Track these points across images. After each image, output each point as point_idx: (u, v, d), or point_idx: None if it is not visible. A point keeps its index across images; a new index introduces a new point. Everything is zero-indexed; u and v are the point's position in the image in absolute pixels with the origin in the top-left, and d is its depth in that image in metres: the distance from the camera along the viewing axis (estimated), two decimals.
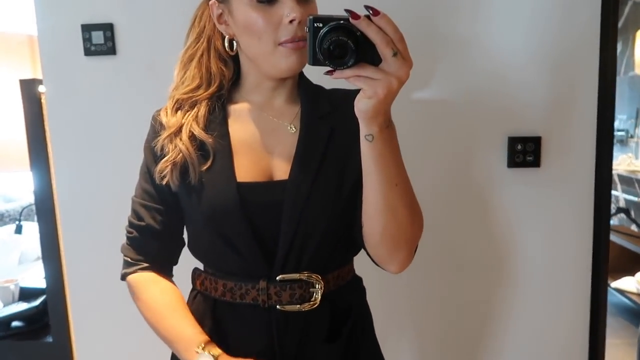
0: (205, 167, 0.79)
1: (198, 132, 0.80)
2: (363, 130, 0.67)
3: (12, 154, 1.60)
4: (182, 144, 0.79)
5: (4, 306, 1.72)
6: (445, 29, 1.33)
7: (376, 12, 0.61)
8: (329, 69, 0.62)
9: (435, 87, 1.35)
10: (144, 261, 0.86)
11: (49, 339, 1.59)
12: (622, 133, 3.91)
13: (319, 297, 0.80)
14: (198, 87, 0.82)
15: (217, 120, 0.82)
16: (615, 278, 3.06)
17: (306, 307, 0.80)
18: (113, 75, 1.39)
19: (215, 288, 0.83)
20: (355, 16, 0.60)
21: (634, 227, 3.07)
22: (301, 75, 0.84)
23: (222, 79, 0.83)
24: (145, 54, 1.37)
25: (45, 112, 1.46)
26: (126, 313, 1.43)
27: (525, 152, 1.34)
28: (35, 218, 2.12)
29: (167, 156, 0.80)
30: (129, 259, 0.87)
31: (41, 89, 1.47)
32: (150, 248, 0.86)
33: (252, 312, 0.80)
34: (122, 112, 1.39)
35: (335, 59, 0.61)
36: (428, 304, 1.44)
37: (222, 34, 0.81)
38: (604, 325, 1.48)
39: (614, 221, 3.38)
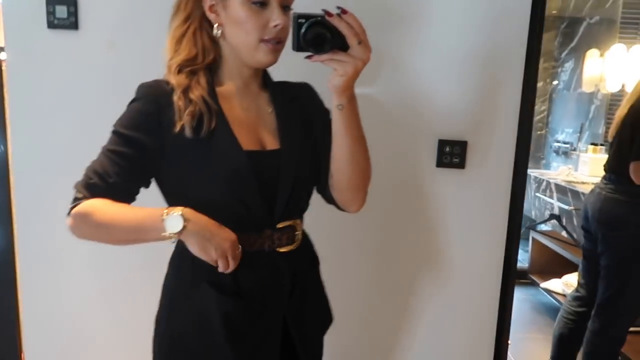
0: (213, 125, 0.91)
1: (203, 93, 0.92)
2: (335, 101, 0.90)
3: None
4: (196, 97, 0.90)
5: None
6: (382, 38, 1.45)
7: (345, 11, 0.85)
8: (308, 54, 0.86)
9: (379, 88, 1.47)
10: (91, 197, 0.90)
11: None
12: (567, 146, 4.16)
13: (300, 237, 1.02)
14: (195, 57, 0.94)
15: (210, 97, 0.93)
16: (544, 279, 3.29)
17: (294, 246, 1.01)
18: (74, 49, 1.44)
19: (251, 242, 0.95)
20: (330, 14, 0.85)
21: (564, 233, 3.30)
22: (265, 70, 1.02)
23: (215, 54, 0.96)
24: (106, 31, 1.44)
25: (4, 79, 1.50)
26: (72, 273, 1.53)
27: (452, 154, 1.49)
28: None
29: (188, 109, 0.89)
30: (79, 195, 0.90)
31: (1, 56, 1.52)
32: (107, 195, 0.90)
33: (259, 257, 0.96)
34: (81, 85, 1.45)
35: (315, 46, 0.85)
36: (350, 293, 1.57)
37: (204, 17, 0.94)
38: (510, 318, 1.61)
39: (546, 227, 3.62)
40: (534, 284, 3.41)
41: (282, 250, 0.98)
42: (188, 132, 0.89)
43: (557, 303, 3.11)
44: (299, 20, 0.85)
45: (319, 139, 1.00)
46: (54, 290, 1.55)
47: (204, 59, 0.94)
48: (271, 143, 0.98)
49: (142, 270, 1.38)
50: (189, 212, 0.87)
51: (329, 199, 1.03)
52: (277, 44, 0.92)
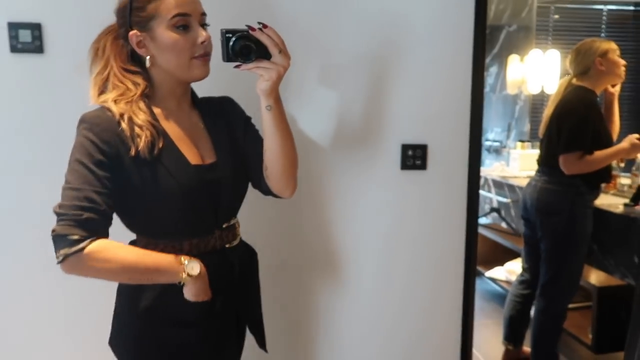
0: (161, 144, 1.00)
1: (148, 117, 1.01)
2: (264, 102, 1.03)
3: None
4: (142, 121, 0.99)
5: None
6: (346, 45, 1.56)
7: (265, 26, 0.99)
8: (237, 64, 0.99)
9: (348, 101, 1.58)
10: (92, 236, 0.93)
11: None
12: (497, 144, 4.49)
13: (239, 233, 1.17)
14: (127, 91, 1.01)
15: (154, 120, 1.02)
16: (488, 268, 3.54)
17: (237, 240, 1.16)
18: (39, 74, 1.43)
19: (181, 249, 1.05)
20: (253, 29, 0.99)
21: (504, 224, 3.57)
22: (192, 90, 1.14)
23: (146, 82, 1.04)
24: (73, 54, 1.42)
25: None
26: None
27: (415, 157, 1.62)
28: None
29: (140, 136, 0.97)
30: (74, 237, 0.91)
31: None
32: (99, 227, 0.95)
33: (211, 257, 1.08)
34: (47, 109, 1.44)
35: (242, 56, 0.99)
36: (309, 291, 1.66)
37: (124, 56, 1.05)
38: (473, 305, 1.76)
39: (487, 220, 3.89)
40: (479, 274, 3.65)
41: (229, 246, 1.13)
42: (144, 154, 0.97)
43: (501, 289, 3.36)
44: (227, 35, 0.99)
45: (244, 146, 1.15)
46: None
47: (136, 90, 1.02)
48: (209, 156, 1.09)
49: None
50: (199, 261, 1.03)
51: (265, 190, 1.17)
52: (205, 57, 1.04)
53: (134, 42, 1.02)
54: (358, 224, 1.64)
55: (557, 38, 4.21)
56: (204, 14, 1.05)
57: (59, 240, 0.91)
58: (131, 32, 1.01)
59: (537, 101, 4.21)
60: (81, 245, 0.91)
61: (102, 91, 1.03)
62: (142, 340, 1.06)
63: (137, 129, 0.97)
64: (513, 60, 4.17)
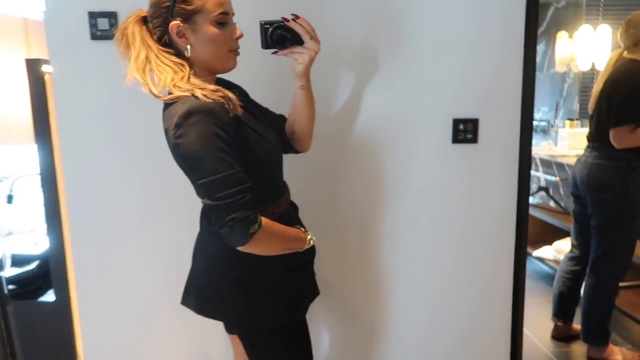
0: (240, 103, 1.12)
1: (212, 85, 1.11)
2: (298, 82, 1.26)
3: (8, 129, 1.72)
4: (217, 89, 1.07)
5: None
6: (398, 29, 1.61)
7: (297, 17, 1.19)
8: (274, 50, 1.20)
9: (399, 79, 1.64)
10: (257, 213, 1.06)
11: (48, 299, 1.74)
12: (544, 123, 4.42)
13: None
14: (177, 71, 1.08)
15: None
16: (536, 248, 3.52)
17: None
18: (117, 59, 1.55)
19: (281, 205, 1.22)
20: (287, 20, 1.19)
21: (552, 203, 3.53)
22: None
23: (188, 64, 1.11)
24: None
25: (49, 91, 1.60)
26: (123, 274, 1.63)
27: (466, 130, 1.66)
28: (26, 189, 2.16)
29: (228, 98, 1.06)
30: (252, 216, 1.03)
31: (45, 68, 1.61)
32: (254, 202, 1.05)
33: (292, 209, 1.31)
34: (125, 94, 1.55)
35: (279, 44, 1.19)
36: (370, 262, 1.74)
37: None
38: (524, 283, 1.77)
39: (535, 199, 3.86)
40: (527, 254, 3.63)
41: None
42: (242, 113, 1.09)
43: (549, 269, 3.34)
44: (265, 26, 1.18)
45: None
46: (110, 290, 1.65)
47: (185, 70, 1.08)
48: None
49: None
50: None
51: (293, 151, 1.38)
52: (237, 51, 1.16)
53: (174, 32, 1.09)
54: (409, 199, 1.70)
55: (607, 13, 4.07)
56: (234, 14, 1.17)
57: (240, 223, 1.01)
58: (173, 22, 1.08)
59: (587, 79, 4.10)
60: (258, 221, 1.05)
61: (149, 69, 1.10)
62: (262, 286, 1.19)
63: (218, 95, 1.04)
64: (561, 37, 4.07)
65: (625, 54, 2.23)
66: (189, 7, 1.08)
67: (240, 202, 1.01)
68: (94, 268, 1.64)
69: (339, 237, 1.70)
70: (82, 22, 1.52)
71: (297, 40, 1.18)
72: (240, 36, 1.15)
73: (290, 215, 1.26)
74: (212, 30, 1.10)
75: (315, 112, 1.34)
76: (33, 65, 1.59)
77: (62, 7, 1.52)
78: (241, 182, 1.02)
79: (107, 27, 1.52)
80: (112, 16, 1.52)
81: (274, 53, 1.20)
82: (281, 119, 1.37)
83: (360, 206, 1.70)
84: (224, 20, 1.11)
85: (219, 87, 1.07)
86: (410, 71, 1.63)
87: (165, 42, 1.12)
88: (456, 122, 1.66)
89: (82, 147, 1.58)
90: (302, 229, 1.24)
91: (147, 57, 1.09)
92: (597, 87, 2.31)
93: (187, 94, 1.03)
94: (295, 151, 1.39)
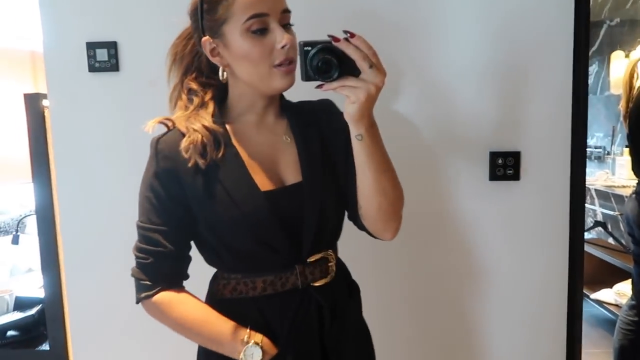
0: (220, 154, 0.88)
1: (201, 124, 0.89)
2: (353, 131, 0.83)
3: (9, 166, 1.65)
4: (197, 128, 0.88)
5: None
6: (423, 53, 1.43)
7: (352, 35, 0.78)
8: (319, 83, 0.79)
9: (417, 103, 1.45)
10: (161, 282, 0.91)
11: (46, 347, 1.62)
12: (599, 150, 4.06)
13: (335, 268, 0.97)
14: (186, 106, 0.93)
15: (224, 139, 0.90)
16: (594, 290, 3.16)
17: (329, 278, 0.95)
18: (116, 91, 1.45)
19: (254, 287, 0.92)
20: (336, 39, 0.78)
21: (611, 240, 3.19)
22: (281, 94, 0.97)
23: (197, 101, 0.93)
24: (147, 71, 1.44)
25: (48, 125, 1.51)
26: (122, 322, 1.49)
27: (505, 165, 1.44)
28: (26, 230, 2.15)
29: (186, 136, 0.87)
30: (146, 282, 0.90)
31: (45, 102, 1.53)
32: (167, 270, 0.91)
33: (293, 296, 0.92)
34: (124, 126, 1.45)
35: (322, 73, 0.78)
36: (410, 307, 1.52)
37: (202, 64, 0.94)
38: (580, 333, 1.53)
39: (592, 234, 3.50)
40: (584, 297, 3.27)
41: (317, 284, 0.94)
42: (202, 163, 0.87)
43: (609, 314, 2.99)
44: (305, 48, 0.79)
45: (341, 163, 0.94)
46: (105, 338, 1.52)
47: (193, 105, 0.92)
48: (292, 176, 0.93)
49: None
50: (266, 342, 0.89)
51: (361, 227, 0.96)
52: (289, 65, 0.87)
53: (207, 50, 0.89)
54: (441, 241, 1.49)
55: None
56: (286, 11, 0.87)
57: (135, 282, 0.92)
58: (204, 39, 0.88)
59: None
60: (152, 292, 0.90)
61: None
62: None
63: (191, 136, 0.87)
64: (618, 57, 3.75)
65: None
66: (215, 17, 0.86)
67: (142, 262, 0.90)
68: (89, 315, 1.51)
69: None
70: (80, 53, 1.43)
71: (351, 69, 0.79)
72: (287, 43, 0.85)
73: (266, 307, 0.92)
74: (243, 43, 0.84)
75: (392, 180, 0.89)
76: (32, 100, 1.51)
77: (60, 38, 1.44)
78: (151, 242, 0.89)
79: (105, 58, 1.42)
80: (111, 46, 1.42)
81: (318, 87, 0.80)
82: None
83: (385, 246, 1.49)
84: (260, 26, 0.84)
85: (198, 128, 0.88)
86: (440, 95, 1.44)
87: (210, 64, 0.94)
88: (494, 155, 1.44)
89: (79, 184, 1.48)
90: (247, 337, 0.88)
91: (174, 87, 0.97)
92: (623, 110, 2.03)
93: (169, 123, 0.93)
94: (369, 233, 0.97)
